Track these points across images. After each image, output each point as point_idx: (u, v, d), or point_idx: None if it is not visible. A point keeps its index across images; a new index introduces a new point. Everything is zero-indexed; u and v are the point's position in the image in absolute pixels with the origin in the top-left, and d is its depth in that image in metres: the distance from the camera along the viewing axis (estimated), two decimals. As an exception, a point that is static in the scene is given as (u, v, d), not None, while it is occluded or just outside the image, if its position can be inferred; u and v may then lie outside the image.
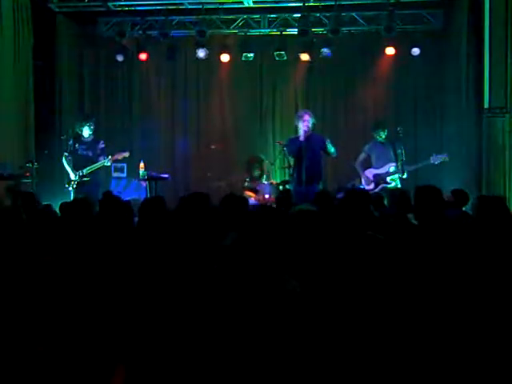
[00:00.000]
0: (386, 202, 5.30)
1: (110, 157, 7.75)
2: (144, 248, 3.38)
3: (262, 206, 3.57)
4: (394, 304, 2.64)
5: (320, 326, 2.44)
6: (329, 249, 3.15)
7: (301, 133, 7.12)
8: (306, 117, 7.12)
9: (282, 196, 5.82)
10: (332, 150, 7.20)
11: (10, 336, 2.66)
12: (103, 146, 7.90)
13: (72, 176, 7.73)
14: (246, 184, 8.83)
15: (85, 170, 7.68)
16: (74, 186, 7.68)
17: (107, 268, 3.15)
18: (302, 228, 3.22)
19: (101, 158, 7.75)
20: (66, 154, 7.79)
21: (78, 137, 7.88)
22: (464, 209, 5.45)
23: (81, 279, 3.01)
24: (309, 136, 7.13)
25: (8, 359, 2.56)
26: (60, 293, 2.88)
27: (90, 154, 7.80)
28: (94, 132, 7.98)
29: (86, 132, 7.86)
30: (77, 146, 7.80)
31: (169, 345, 2.54)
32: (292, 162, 7.62)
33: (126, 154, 7.97)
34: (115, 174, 9.16)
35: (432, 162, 7.86)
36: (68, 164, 7.76)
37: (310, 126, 7.19)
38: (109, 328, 2.72)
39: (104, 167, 7.99)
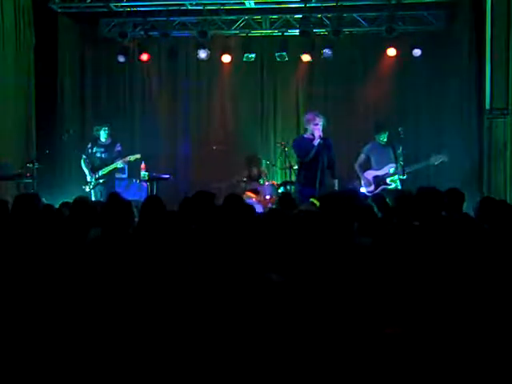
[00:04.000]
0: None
1: (121, 158, 8.06)
2: (145, 247, 3.38)
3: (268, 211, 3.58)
4: (393, 304, 2.64)
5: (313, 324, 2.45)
6: (330, 250, 3.16)
7: (312, 134, 7.00)
8: (318, 120, 7.01)
9: (284, 198, 5.74)
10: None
11: (9, 333, 2.67)
12: (120, 148, 8.22)
13: (88, 178, 8.10)
14: (247, 185, 8.82)
15: (100, 172, 8.04)
16: (91, 187, 8.06)
17: (108, 266, 3.15)
18: (307, 228, 3.22)
19: (117, 160, 8.08)
20: (84, 156, 8.18)
21: (95, 140, 8.24)
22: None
23: (81, 278, 3.02)
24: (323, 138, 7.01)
25: (8, 356, 2.58)
26: (60, 292, 2.89)
27: (107, 156, 8.13)
28: (111, 135, 8.29)
29: (103, 135, 8.17)
30: (94, 149, 8.17)
31: (166, 342, 2.55)
32: (294, 163, 7.58)
33: (138, 156, 8.23)
34: (116, 175, 9.16)
35: (432, 162, 7.85)
36: (86, 166, 8.11)
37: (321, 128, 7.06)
38: (107, 326, 2.73)
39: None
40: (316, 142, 6.88)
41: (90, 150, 8.17)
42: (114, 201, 4.14)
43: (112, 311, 2.81)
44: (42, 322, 2.72)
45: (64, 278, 2.99)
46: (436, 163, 7.85)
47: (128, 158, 8.09)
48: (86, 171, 8.12)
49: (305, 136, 7.19)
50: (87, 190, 8.06)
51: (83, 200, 4.46)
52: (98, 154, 8.13)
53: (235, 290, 2.60)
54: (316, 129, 6.92)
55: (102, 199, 7.40)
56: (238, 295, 2.55)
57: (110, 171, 8.11)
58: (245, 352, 2.36)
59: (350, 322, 2.52)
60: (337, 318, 2.53)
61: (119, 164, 8.07)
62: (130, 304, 2.82)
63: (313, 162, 6.88)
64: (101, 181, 8.05)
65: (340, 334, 2.46)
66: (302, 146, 7.04)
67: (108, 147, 8.16)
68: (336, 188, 7.08)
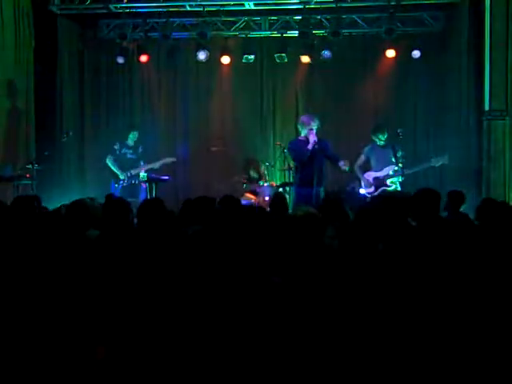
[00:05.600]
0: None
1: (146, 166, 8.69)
2: (145, 248, 3.38)
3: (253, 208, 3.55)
4: (391, 305, 2.64)
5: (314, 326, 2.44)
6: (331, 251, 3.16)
7: (306, 137, 7.00)
8: (312, 124, 6.99)
9: (277, 201, 5.70)
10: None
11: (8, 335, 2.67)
12: (141, 150, 8.93)
13: (121, 176, 8.74)
14: (246, 186, 8.81)
15: (133, 172, 8.69)
16: (124, 185, 8.73)
17: (107, 267, 3.15)
18: (307, 230, 3.23)
19: (141, 161, 8.82)
20: (111, 157, 8.80)
21: (123, 142, 8.89)
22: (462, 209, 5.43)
23: (79, 278, 3.02)
24: (317, 141, 7.00)
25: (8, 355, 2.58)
26: (57, 292, 2.89)
27: (135, 157, 8.88)
28: (138, 140, 8.97)
29: (131, 139, 8.90)
30: (123, 150, 8.86)
31: (166, 343, 2.55)
32: (292, 164, 7.57)
33: (174, 159, 8.90)
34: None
35: (432, 164, 7.84)
36: (113, 165, 8.76)
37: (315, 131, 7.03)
38: (106, 327, 2.73)
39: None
40: (310, 146, 6.89)
41: (118, 151, 8.81)
42: (111, 202, 4.14)
43: (111, 311, 2.81)
44: (38, 323, 2.72)
45: (61, 279, 2.99)
46: (437, 165, 7.84)
47: (151, 166, 8.64)
48: (116, 170, 8.73)
49: (299, 138, 7.19)
50: (116, 185, 8.71)
51: (81, 202, 4.45)
52: (128, 156, 8.82)
53: (235, 291, 2.60)
54: (310, 133, 6.92)
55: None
56: (238, 296, 2.55)
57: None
58: (244, 352, 2.36)
59: (350, 322, 2.52)
60: (337, 318, 2.53)
61: (156, 165, 8.66)
62: (130, 304, 2.82)
63: (309, 164, 6.89)
64: (133, 180, 8.71)
65: (341, 335, 2.46)
66: (297, 149, 7.06)
67: (134, 149, 8.88)
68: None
